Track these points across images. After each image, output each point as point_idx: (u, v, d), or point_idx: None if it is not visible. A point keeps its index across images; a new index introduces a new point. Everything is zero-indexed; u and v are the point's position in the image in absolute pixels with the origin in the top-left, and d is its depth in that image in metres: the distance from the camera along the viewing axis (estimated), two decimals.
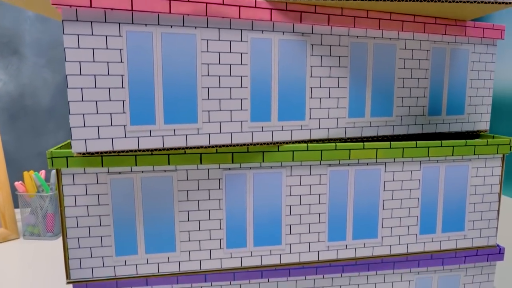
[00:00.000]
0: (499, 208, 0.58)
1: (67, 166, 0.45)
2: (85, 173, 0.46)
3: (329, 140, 0.52)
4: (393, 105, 0.54)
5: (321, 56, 0.49)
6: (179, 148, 0.45)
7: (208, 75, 0.45)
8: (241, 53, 0.46)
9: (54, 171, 1.01)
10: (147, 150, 0.44)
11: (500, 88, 1.40)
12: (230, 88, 0.46)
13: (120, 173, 0.47)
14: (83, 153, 0.42)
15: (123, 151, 0.43)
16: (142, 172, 0.47)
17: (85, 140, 0.42)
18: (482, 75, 0.59)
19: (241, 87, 0.46)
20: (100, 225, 0.48)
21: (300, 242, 0.52)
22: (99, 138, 0.42)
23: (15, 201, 1.19)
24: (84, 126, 0.41)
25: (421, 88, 0.55)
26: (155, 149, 0.44)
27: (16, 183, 0.98)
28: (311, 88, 0.49)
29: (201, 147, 0.46)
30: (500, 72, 1.40)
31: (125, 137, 0.43)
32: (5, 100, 1.11)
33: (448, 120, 0.58)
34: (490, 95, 0.60)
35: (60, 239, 1.02)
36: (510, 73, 1.38)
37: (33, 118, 1.13)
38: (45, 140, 1.20)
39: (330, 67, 0.50)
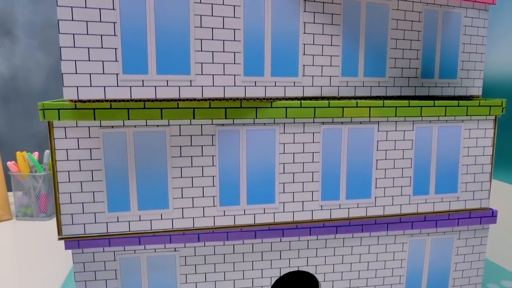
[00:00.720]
0: (491, 171, 0.58)
1: (59, 119, 0.45)
2: (77, 126, 0.46)
3: (322, 98, 0.52)
4: (386, 65, 0.54)
5: (314, 12, 0.49)
6: (171, 100, 0.45)
7: (201, 26, 0.45)
8: (234, 6, 0.46)
9: (47, 151, 1.00)
10: (140, 100, 0.44)
11: (492, 77, 1.41)
12: (223, 40, 0.46)
13: (112, 127, 0.46)
14: (75, 101, 0.42)
15: (115, 101, 0.43)
16: (135, 126, 0.47)
17: (77, 87, 0.42)
18: (474, 40, 0.59)
19: (234, 40, 0.46)
20: (92, 180, 0.47)
21: (293, 201, 0.52)
22: (91, 86, 0.42)
23: (8, 184, 1.18)
24: (76, 73, 0.41)
25: (413, 50, 0.55)
26: (148, 100, 0.44)
27: (8, 162, 0.97)
28: (304, 44, 0.49)
29: (194, 99, 0.46)
30: (492, 61, 1.41)
31: (117, 86, 0.43)
32: None
33: (441, 84, 0.58)
34: (483, 61, 0.60)
35: (54, 220, 1.01)
36: (502, 61, 1.39)
37: (26, 100, 1.12)
38: (38, 122, 1.19)
39: (323, 24, 0.50)
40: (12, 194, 1.20)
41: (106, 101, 0.43)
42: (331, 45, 0.51)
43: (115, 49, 0.42)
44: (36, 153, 1.04)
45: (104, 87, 0.42)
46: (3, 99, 1.13)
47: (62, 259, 0.78)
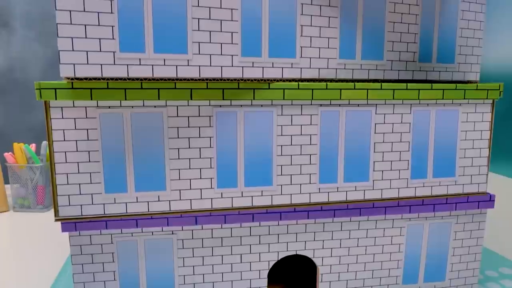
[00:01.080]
0: (489, 155, 0.58)
1: (56, 99, 0.45)
2: (74, 106, 0.46)
3: (320, 81, 0.52)
4: (384, 49, 0.54)
5: None
6: (169, 79, 0.45)
7: (198, 5, 0.45)
8: None
9: (44, 143, 1.00)
10: (137, 79, 0.44)
11: (490, 70, 1.41)
12: (220, 20, 0.46)
13: (109, 107, 0.46)
14: (72, 78, 0.42)
15: (112, 79, 0.43)
16: (132, 107, 0.47)
17: (74, 64, 0.41)
18: (472, 24, 0.59)
19: (231, 20, 0.46)
20: (89, 161, 0.47)
21: (291, 184, 0.52)
22: (87, 63, 0.42)
23: (5, 176, 1.18)
24: (73, 50, 0.41)
25: (411, 33, 0.55)
26: (145, 79, 0.44)
27: (5, 153, 0.97)
28: (301, 26, 0.49)
29: (192, 79, 0.46)
30: (490, 54, 1.41)
31: (114, 64, 0.43)
32: None
33: (439, 68, 0.58)
34: (480, 46, 0.60)
35: (51, 211, 1.01)
36: (497, 54, 1.40)
37: (22, 92, 1.12)
38: (35, 114, 1.18)
39: (320, 5, 0.50)
40: (9, 186, 1.19)
41: (103, 79, 0.43)
42: (329, 27, 0.51)
43: (112, 26, 0.42)
44: (34, 144, 1.04)
45: (101, 65, 0.42)
46: (0, 91, 1.12)
47: (58, 250, 0.78)
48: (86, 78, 0.42)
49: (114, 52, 0.42)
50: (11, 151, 1.21)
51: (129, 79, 0.43)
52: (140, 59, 0.43)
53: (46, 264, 0.71)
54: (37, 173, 0.98)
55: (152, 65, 0.44)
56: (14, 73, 1.10)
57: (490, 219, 0.96)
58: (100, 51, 0.42)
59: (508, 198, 1.13)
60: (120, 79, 0.43)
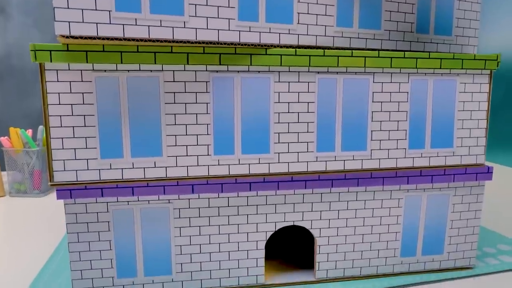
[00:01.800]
0: (487, 127, 0.58)
1: (51, 61, 0.44)
2: (69, 69, 0.45)
3: (317, 48, 0.51)
4: (381, 18, 0.54)
5: None
6: (165, 41, 0.45)
7: None
8: None
9: (41, 127, 0.99)
10: (133, 39, 0.44)
11: None
12: None
13: (105, 71, 0.46)
14: (66, 36, 0.41)
15: (107, 38, 0.43)
16: (128, 71, 0.46)
17: (69, 22, 0.41)
18: None
19: None
20: (85, 125, 0.47)
21: (288, 152, 0.52)
22: (83, 21, 0.41)
23: (1, 162, 1.17)
24: (68, 7, 0.41)
25: (409, 3, 0.55)
26: (141, 39, 0.44)
27: (1, 138, 0.96)
28: None
29: (188, 41, 0.46)
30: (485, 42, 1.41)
31: (110, 23, 0.42)
32: None
33: (436, 40, 0.58)
34: (478, 19, 0.60)
35: (48, 196, 1.00)
36: (495, 43, 1.40)
37: (19, 78, 1.11)
38: (32, 101, 1.18)
39: None
40: (5, 173, 1.19)
41: (99, 38, 0.42)
42: None
43: None
44: (30, 130, 1.03)
45: (97, 23, 0.42)
46: None
47: (54, 231, 0.77)
48: (81, 37, 0.42)
49: (109, 11, 0.42)
50: (7, 135, 1.20)
51: (125, 39, 0.43)
52: (136, 19, 0.43)
53: (41, 243, 0.71)
54: (33, 158, 0.97)
55: (148, 26, 0.44)
56: (11, 60, 1.10)
57: (488, 203, 0.96)
58: (96, 9, 0.41)
59: (506, 187, 1.13)
60: (116, 38, 0.43)
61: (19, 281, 0.57)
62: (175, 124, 0.48)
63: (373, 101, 0.53)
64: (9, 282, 0.57)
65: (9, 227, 0.79)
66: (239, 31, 0.47)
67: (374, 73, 0.53)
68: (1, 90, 1.12)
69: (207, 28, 0.46)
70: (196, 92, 0.48)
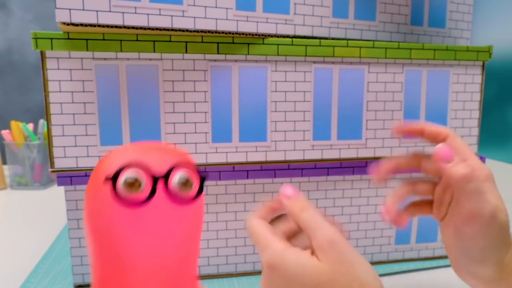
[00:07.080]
0: (480, 117, 0.59)
1: (52, 49, 0.45)
2: (69, 57, 0.46)
3: (313, 38, 0.52)
4: (376, 9, 0.55)
5: None
6: (164, 29, 0.46)
7: None
8: None
9: (42, 121, 1.00)
10: (132, 27, 0.45)
11: None
12: None
13: (105, 59, 0.47)
14: (67, 24, 0.42)
15: (107, 26, 0.44)
16: (127, 59, 0.47)
17: (70, 9, 0.42)
18: None
19: None
20: (85, 112, 0.48)
21: (285, 140, 0.53)
22: (83, 9, 0.42)
23: (2, 155, 1.18)
24: None
25: None
26: (140, 27, 0.45)
27: (3, 131, 0.97)
28: None
29: (187, 30, 0.47)
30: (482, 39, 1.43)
31: (110, 11, 0.43)
32: None
33: (430, 32, 0.59)
34: (471, 12, 0.61)
35: (48, 189, 1.01)
36: (488, 41, 1.41)
37: (20, 73, 1.12)
38: (32, 96, 1.19)
39: None
40: (6, 166, 1.20)
41: (99, 26, 0.43)
42: None
43: None
44: (31, 124, 1.04)
45: (97, 11, 0.43)
46: None
47: (55, 222, 0.78)
48: (81, 24, 0.43)
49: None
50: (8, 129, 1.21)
51: (124, 27, 0.44)
52: (135, 7, 0.44)
53: (41, 234, 0.72)
54: (34, 151, 0.98)
55: (148, 14, 0.45)
56: (12, 55, 1.11)
57: None
58: None
59: (498, 182, 1.14)
60: (116, 26, 0.44)
61: (19, 270, 0.58)
62: (174, 112, 0.49)
63: (368, 91, 0.54)
64: (10, 272, 0.58)
65: (10, 218, 0.80)
66: (237, 20, 0.48)
67: (369, 63, 0.54)
68: (2, 85, 1.13)
69: (205, 17, 0.47)
70: (194, 81, 0.49)
